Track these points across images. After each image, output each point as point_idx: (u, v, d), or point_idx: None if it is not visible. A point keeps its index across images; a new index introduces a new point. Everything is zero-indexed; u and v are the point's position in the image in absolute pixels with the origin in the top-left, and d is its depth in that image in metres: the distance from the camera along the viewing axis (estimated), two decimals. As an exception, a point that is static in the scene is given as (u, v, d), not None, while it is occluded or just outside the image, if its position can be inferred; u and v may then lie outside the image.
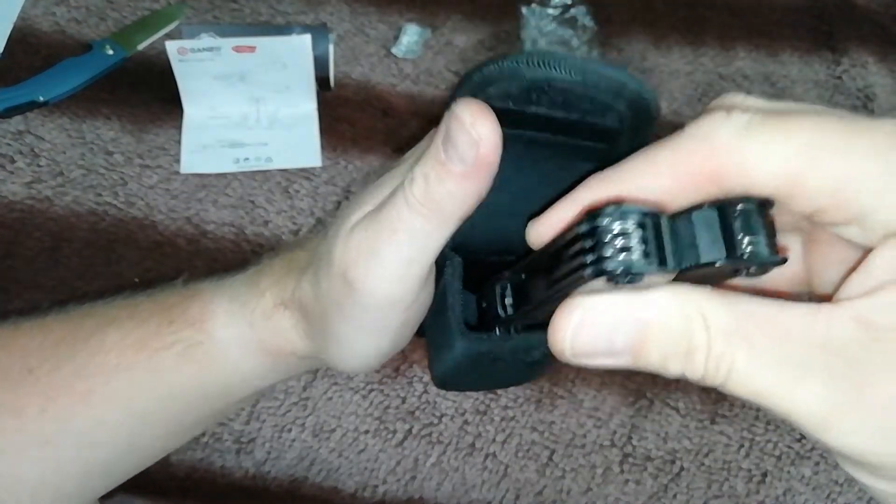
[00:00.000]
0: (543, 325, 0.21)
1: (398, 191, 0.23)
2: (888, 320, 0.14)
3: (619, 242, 0.17)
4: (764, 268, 0.18)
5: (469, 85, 0.23)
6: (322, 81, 0.66)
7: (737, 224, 0.17)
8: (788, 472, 0.53)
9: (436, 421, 0.53)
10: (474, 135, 0.20)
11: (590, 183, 0.18)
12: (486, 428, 0.53)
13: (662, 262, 0.17)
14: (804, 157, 0.15)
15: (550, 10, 0.71)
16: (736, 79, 0.73)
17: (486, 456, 0.52)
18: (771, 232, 0.17)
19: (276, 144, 0.63)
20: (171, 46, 0.60)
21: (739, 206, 0.17)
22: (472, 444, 0.53)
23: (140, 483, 0.51)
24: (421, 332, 0.28)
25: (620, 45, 0.74)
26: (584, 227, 0.17)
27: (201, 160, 0.63)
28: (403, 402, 0.54)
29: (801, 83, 0.74)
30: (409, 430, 0.53)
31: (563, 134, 0.24)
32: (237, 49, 0.60)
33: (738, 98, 0.18)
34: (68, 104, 0.65)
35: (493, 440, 0.53)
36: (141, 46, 0.69)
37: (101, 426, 0.29)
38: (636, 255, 0.17)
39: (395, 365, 0.55)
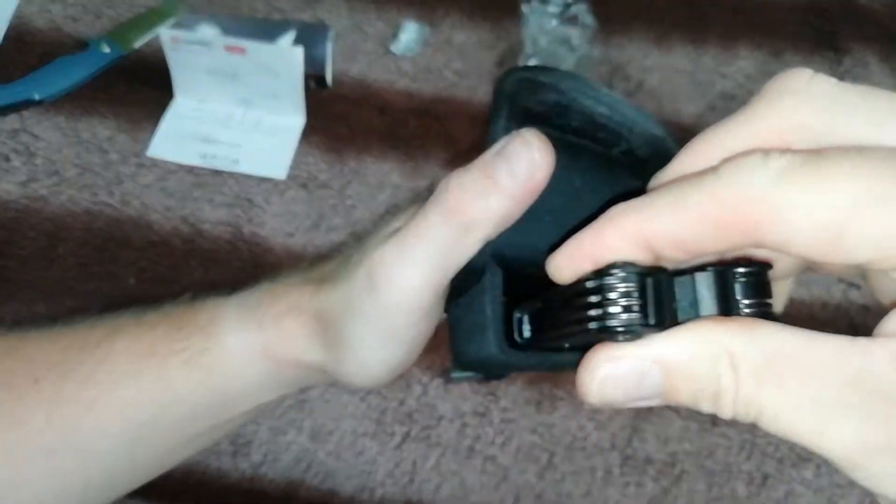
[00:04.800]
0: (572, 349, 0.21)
1: (430, 199, 0.24)
2: None
3: (623, 301, 0.17)
4: None
5: (505, 90, 0.24)
6: (319, 79, 0.66)
7: (737, 287, 0.17)
8: (789, 474, 0.53)
9: (434, 423, 0.53)
10: (537, 157, 0.22)
11: (614, 216, 0.18)
12: (485, 430, 0.53)
13: (660, 323, 0.17)
14: (847, 210, 0.14)
15: (551, 8, 0.71)
16: (737, 78, 0.73)
17: (486, 459, 0.52)
18: (768, 295, 0.18)
19: (248, 148, 0.63)
20: (165, 34, 0.60)
21: (741, 270, 0.17)
22: (471, 447, 0.52)
23: (135, 485, 0.51)
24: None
25: (621, 43, 0.74)
26: (591, 283, 0.18)
27: (170, 147, 0.62)
28: (402, 404, 0.53)
29: (803, 82, 0.73)
30: (408, 433, 0.52)
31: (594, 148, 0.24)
32: (228, 48, 0.60)
33: (802, 79, 0.17)
34: (64, 102, 0.64)
35: (493, 443, 0.52)
36: (137, 44, 0.68)
37: (103, 436, 0.29)
38: (636, 315, 0.17)
39: (394, 366, 0.55)
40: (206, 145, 0.63)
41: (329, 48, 0.67)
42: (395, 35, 0.70)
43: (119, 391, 0.29)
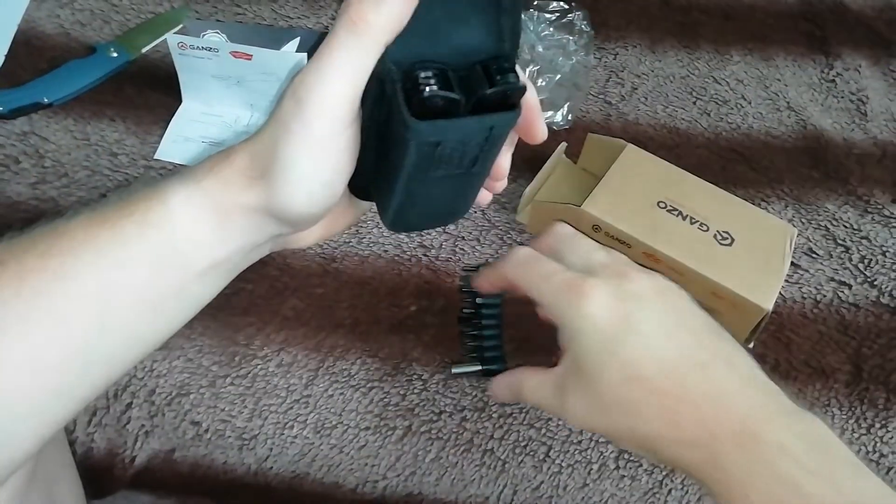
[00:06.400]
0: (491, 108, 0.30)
1: (336, 19, 0.28)
2: (564, 385, 0.34)
3: (432, 81, 0.28)
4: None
5: None
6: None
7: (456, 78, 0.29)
8: (781, 468, 0.54)
9: (435, 417, 0.54)
10: None
11: (484, 275, 0.40)
12: (484, 424, 0.54)
13: (451, 90, 0.29)
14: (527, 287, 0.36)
15: (548, 15, 0.72)
16: (730, 82, 0.74)
17: (485, 452, 0.53)
18: (449, 87, 0.29)
19: None
20: (172, 40, 0.62)
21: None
22: (471, 441, 0.53)
23: (143, 479, 0.52)
24: (366, 195, 0.35)
25: (616, 49, 0.75)
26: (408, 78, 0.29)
27: (177, 150, 0.64)
28: (403, 398, 0.54)
29: (794, 86, 0.75)
30: (409, 427, 0.54)
31: None
32: (234, 54, 0.62)
33: (512, 252, 0.38)
34: (73, 106, 0.66)
35: (492, 436, 0.54)
36: (145, 49, 0.69)
37: (72, 301, 0.30)
38: (438, 86, 0.28)
39: (395, 363, 0.56)
40: (213, 149, 0.64)
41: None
42: (396, 40, 0.71)
43: (81, 256, 0.31)
